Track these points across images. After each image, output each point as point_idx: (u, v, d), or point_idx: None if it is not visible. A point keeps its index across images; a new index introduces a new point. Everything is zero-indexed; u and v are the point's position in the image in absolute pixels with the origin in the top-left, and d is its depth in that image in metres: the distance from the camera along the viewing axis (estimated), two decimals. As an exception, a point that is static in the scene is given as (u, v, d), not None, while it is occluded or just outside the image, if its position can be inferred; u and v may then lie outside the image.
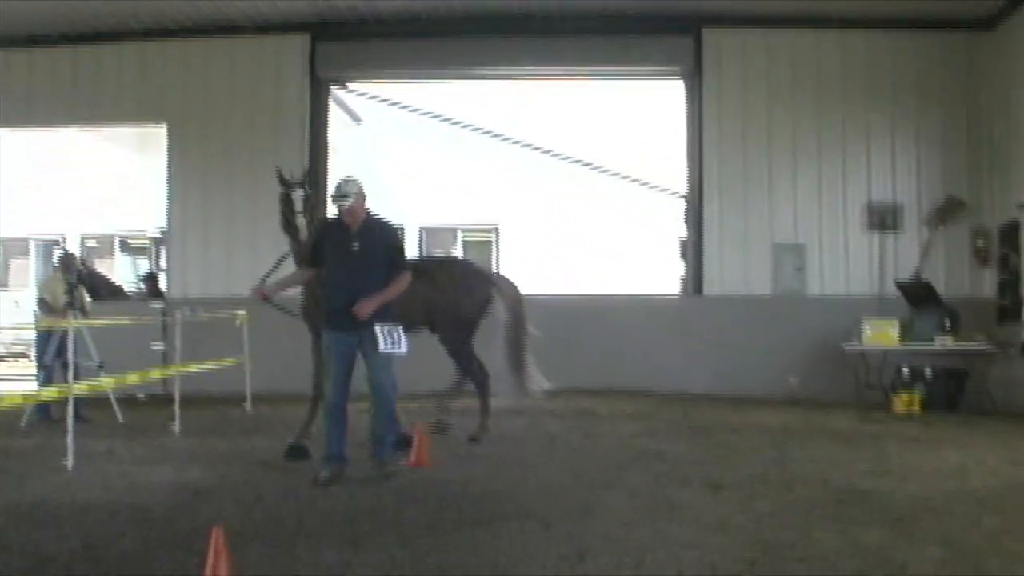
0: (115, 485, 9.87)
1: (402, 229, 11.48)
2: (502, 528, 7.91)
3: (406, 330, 11.77)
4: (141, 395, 17.43)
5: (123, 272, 28.21)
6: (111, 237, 30.03)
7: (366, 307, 10.03)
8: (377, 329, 10.10)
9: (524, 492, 9.43)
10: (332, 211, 10.84)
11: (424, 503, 8.86)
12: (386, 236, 10.51)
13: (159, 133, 20.97)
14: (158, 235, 26.72)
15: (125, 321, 14.86)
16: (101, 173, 28.88)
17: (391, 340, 10.15)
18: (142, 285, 22.67)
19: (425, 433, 11.33)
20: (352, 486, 9.70)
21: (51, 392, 11.30)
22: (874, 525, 8.00)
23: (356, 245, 10.26)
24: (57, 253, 17.42)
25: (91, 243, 29.72)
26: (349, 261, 10.27)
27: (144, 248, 29.60)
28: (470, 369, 13.03)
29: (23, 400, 11.63)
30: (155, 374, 13.63)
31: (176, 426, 13.56)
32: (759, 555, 7.01)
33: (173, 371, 13.77)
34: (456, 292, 12.98)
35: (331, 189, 10.71)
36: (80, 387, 11.59)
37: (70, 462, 10.72)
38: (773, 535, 7.67)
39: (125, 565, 6.84)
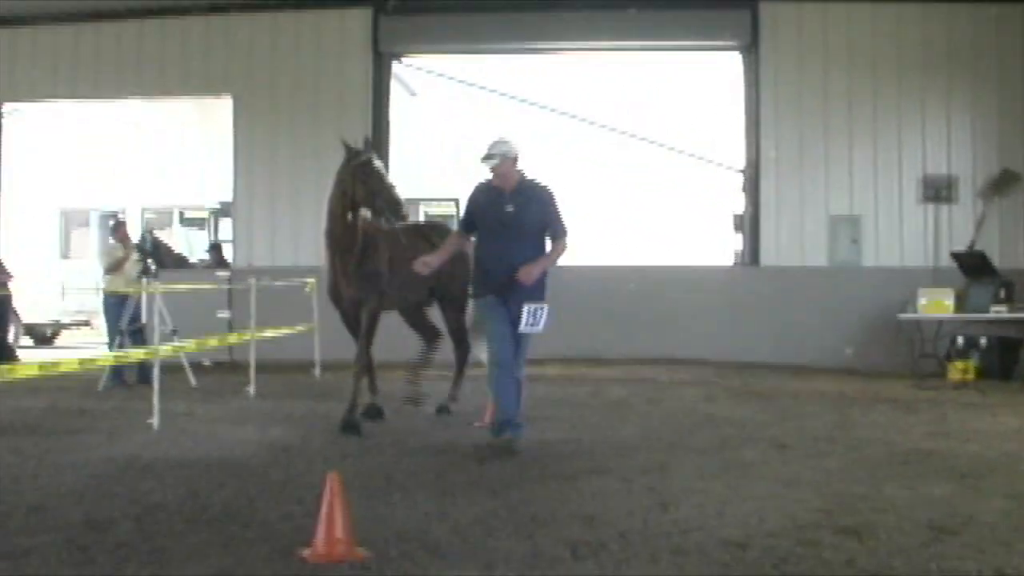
0: (202, 442, 10.30)
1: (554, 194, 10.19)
2: (584, 483, 8.26)
3: (415, 302, 12.59)
4: (207, 362, 17.93)
5: (181, 243, 28.66)
6: (170, 209, 30.47)
7: (531, 272, 9.60)
8: (525, 308, 9.55)
9: (600, 451, 9.78)
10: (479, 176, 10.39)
11: (506, 462, 9.19)
12: (542, 199, 9.93)
13: (217, 106, 21.43)
14: (217, 207, 27.21)
15: (203, 286, 15.36)
16: (161, 146, 29.35)
17: (533, 319, 9.61)
18: (208, 255, 23.11)
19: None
20: (431, 446, 10.08)
21: (139, 354, 11.70)
22: (940, 481, 8.31)
23: (510, 208, 9.78)
24: (110, 223, 17.85)
25: (150, 215, 30.19)
26: (503, 225, 9.79)
27: (202, 220, 30.03)
28: (464, 339, 12.70)
29: (114, 361, 12.11)
30: (232, 339, 14.07)
31: (251, 389, 14.00)
32: (833, 507, 7.33)
33: (249, 336, 14.16)
34: (463, 259, 11.96)
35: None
36: (166, 350, 11.99)
37: (155, 421, 11.18)
38: (845, 489, 7.99)
39: (231, 512, 7.21)
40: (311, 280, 16.24)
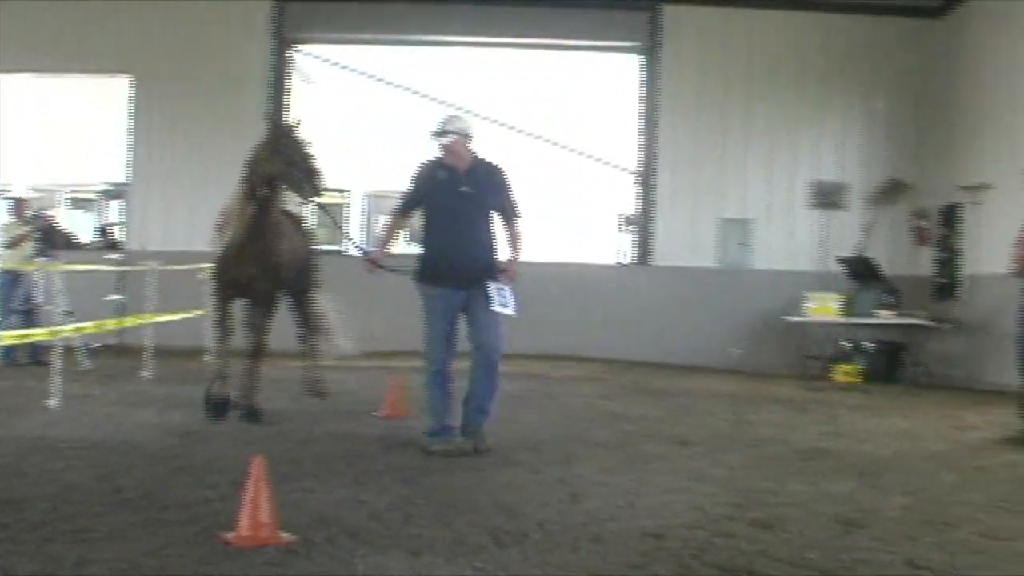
0: (104, 424, 10.21)
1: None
2: (494, 473, 8.38)
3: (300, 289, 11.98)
4: (95, 344, 17.63)
5: (67, 223, 28.05)
6: (56, 189, 29.81)
7: (515, 271, 9.37)
8: (490, 286, 9.16)
9: (504, 443, 9.82)
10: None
11: (412, 451, 9.25)
12: (497, 180, 9.46)
13: (109, 86, 21.06)
14: (108, 188, 26.69)
15: (102, 268, 15.19)
16: (48, 124, 28.69)
17: (503, 299, 9.21)
18: (98, 237, 22.70)
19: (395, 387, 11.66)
20: (334, 433, 10.07)
21: (42, 333, 11.51)
22: (841, 478, 8.57)
23: (465, 189, 9.27)
24: (6, 200, 17.53)
25: (35, 194, 29.50)
26: (457, 206, 9.30)
27: (90, 201, 29.43)
28: (320, 326, 12.62)
29: (20, 340, 11.92)
30: (131, 322, 13.90)
31: (147, 373, 13.85)
32: (742, 501, 7.52)
33: (147, 320, 14.00)
34: (312, 244, 12.36)
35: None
36: (67, 331, 11.81)
37: (55, 402, 11.03)
38: (750, 484, 8.19)
39: (147, 494, 7.15)
40: (206, 265, 16.03)
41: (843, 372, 17.26)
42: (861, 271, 18.08)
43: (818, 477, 8.60)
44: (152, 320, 14.15)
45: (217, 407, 10.77)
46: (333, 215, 11.80)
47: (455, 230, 9.32)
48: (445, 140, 9.32)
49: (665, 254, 19.61)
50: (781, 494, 7.84)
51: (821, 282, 18.55)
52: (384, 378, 13.46)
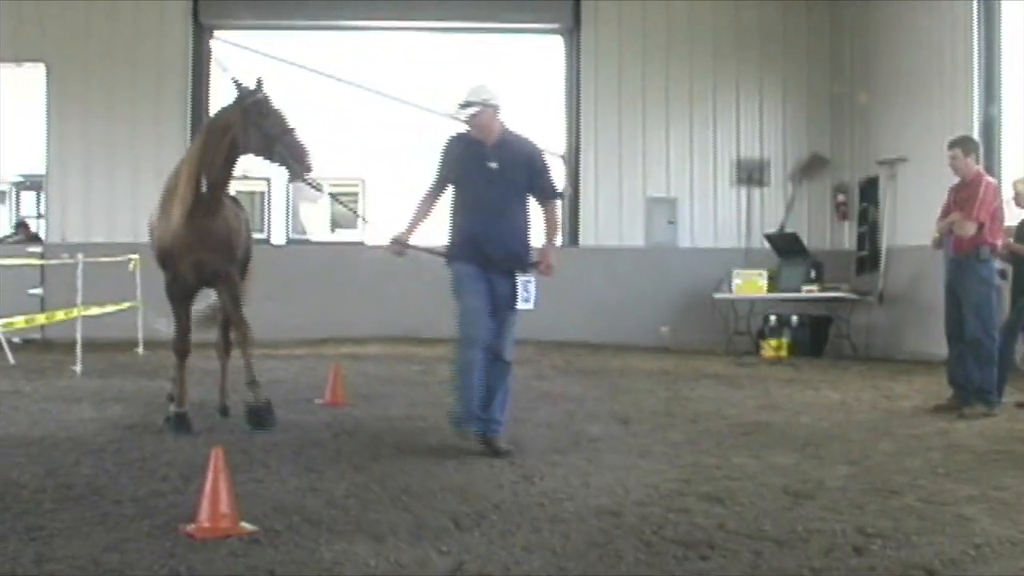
0: (42, 420, 10.06)
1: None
2: (443, 458, 8.39)
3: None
4: (17, 339, 17.39)
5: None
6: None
7: (551, 262, 8.67)
8: (520, 280, 8.63)
9: (447, 427, 9.81)
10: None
11: (359, 438, 9.26)
12: (529, 154, 8.79)
13: (17, 75, 20.65)
14: (19, 180, 26.25)
15: (29, 262, 15.07)
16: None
17: (526, 292, 8.72)
18: (14, 231, 22.33)
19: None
20: (280, 423, 9.99)
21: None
22: (783, 451, 8.74)
23: (494, 164, 8.57)
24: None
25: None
26: (486, 184, 8.59)
27: (2, 193, 28.96)
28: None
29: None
30: (60, 316, 13.74)
31: (78, 368, 13.70)
32: (690, 476, 7.65)
33: (76, 313, 13.85)
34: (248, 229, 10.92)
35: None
36: (-3, 327, 11.67)
37: (-18, 400, 10.91)
38: (695, 460, 8.33)
39: (97, 489, 7.09)
40: (135, 257, 15.92)
41: (771, 347, 17.53)
42: (786, 247, 18.35)
43: (761, 450, 8.77)
44: (83, 313, 13.98)
45: (182, 423, 9.49)
46: (346, 202, 10.96)
47: (484, 211, 8.60)
48: (469, 112, 8.52)
49: (592, 234, 19.74)
50: (726, 468, 7.98)
51: (747, 259, 18.79)
52: (317, 366, 13.50)
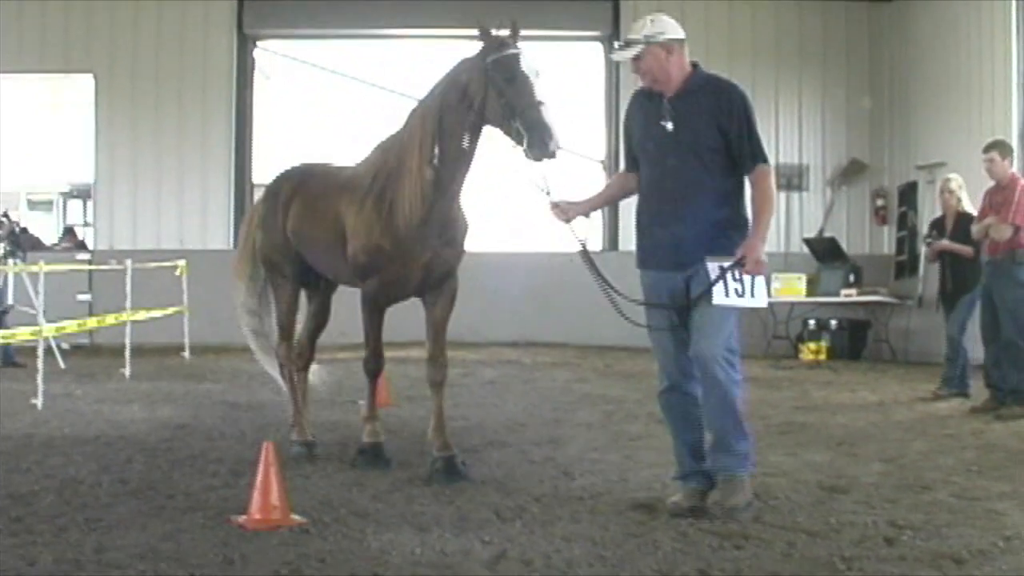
0: (95, 421, 10.34)
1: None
2: (484, 455, 8.61)
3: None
4: (66, 345, 17.71)
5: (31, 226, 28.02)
6: (15, 192, 29.72)
7: (755, 250, 6.32)
8: (710, 266, 6.33)
9: (489, 426, 10.11)
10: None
11: (402, 436, 9.44)
12: (722, 105, 6.46)
13: (67, 87, 21.04)
14: (67, 189, 26.67)
15: (77, 268, 15.40)
16: (8, 125, 28.57)
17: (735, 286, 6.33)
18: (62, 238, 22.71)
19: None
20: (323, 423, 10.18)
21: (24, 334, 11.63)
22: (819, 449, 8.90)
23: (668, 124, 6.47)
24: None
25: (-1, 198, 29.41)
26: (658, 152, 6.55)
27: (49, 202, 29.38)
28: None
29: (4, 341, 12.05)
30: (111, 320, 14.03)
31: (127, 371, 13.99)
32: (727, 473, 7.80)
33: (125, 318, 14.14)
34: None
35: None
36: (49, 330, 11.95)
37: (39, 402, 11.14)
38: (732, 457, 8.48)
39: (151, 484, 7.35)
40: (181, 263, 16.24)
41: (809, 350, 17.63)
42: (825, 251, 18.43)
43: (797, 448, 8.93)
44: (132, 318, 14.28)
45: (379, 455, 8.13)
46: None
47: (656, 190, 6.59)
48: (628, 55, 6.57)
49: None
50: (763, 465, 8.08)
51: (786, 263, 18.87)
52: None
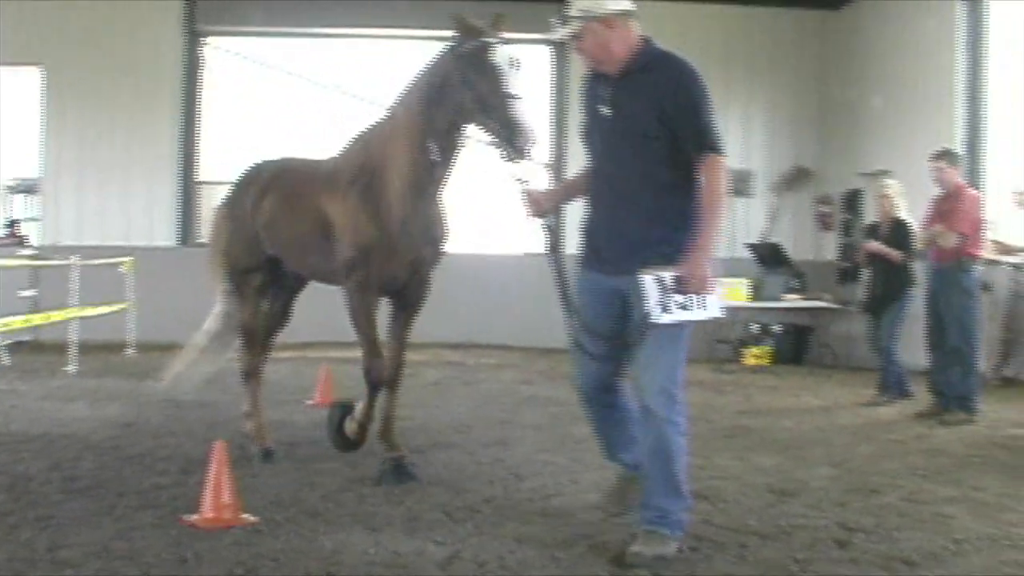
0: (41, 418, 10.19)
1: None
2: (432, 456, 8.61)
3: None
4: (7, 341, 17.53)
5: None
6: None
7: (695, 270, 5.44)
8: (647, 280, 5.53)
9: (435, 427, 10.09)
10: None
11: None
12: (661, 85, 5.63)
13: (14, 79, 20.72)
14: (15, 183, 26.34)
15: (28, 263, 15.25)
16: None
17: (678, 299, 5.50)
18: (5, 234, 22.43)
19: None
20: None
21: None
22: (766, 453, 8.99)
23: (607, 110, 5.76)
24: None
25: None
26: (600, 140, 5.88)
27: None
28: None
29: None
30: (57, 316, 13.90)
31: (72, 368, 13.86)
32: (676, 475, 7.86)
33: (72, 314, 14.02)
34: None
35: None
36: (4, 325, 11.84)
37: (-20, 398, 11.07)
38: (680, 461, 8.54)
39: (101, 483, 7.31)
40: (127, 259, 16.13)
41: (752, 355, 17.78)
42: (768, 256, 18.59)
43: (744, 452, 9.00)
44: (78, 315, 14.16)
45: (402, 470, 7.61)
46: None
47: (599, 181, 5.92)
48: (567, 32, 5.87)
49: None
50: (711, 468, 8.19)
51: (729, 268, 18.98)
52: (305, 368, 13.69)
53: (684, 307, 5.50)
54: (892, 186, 12.79)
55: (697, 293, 5.48)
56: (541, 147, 6.67)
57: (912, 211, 12.31)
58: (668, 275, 5.46)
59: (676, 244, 5.52)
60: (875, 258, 12.57)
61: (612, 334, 5.82)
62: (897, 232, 12.34)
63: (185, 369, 9.05)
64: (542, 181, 5.55)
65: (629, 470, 6.28)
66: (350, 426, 7.99)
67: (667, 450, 5.73)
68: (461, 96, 6.74)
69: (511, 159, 6.39)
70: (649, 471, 5.78)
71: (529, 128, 6.40)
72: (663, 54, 5.79)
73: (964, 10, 15.98)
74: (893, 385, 12.43)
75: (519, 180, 6.23)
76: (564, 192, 6.62)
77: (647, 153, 5.62)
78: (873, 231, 12.89)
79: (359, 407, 7.93)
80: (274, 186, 8.25)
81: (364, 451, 8.54)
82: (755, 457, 8.75)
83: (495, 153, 6.53)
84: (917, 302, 12.03)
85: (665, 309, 5.48)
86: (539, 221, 6.21)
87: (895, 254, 12.22)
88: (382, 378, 7.59)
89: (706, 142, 5.57)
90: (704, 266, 5.44)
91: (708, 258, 5.47)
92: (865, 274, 13.28)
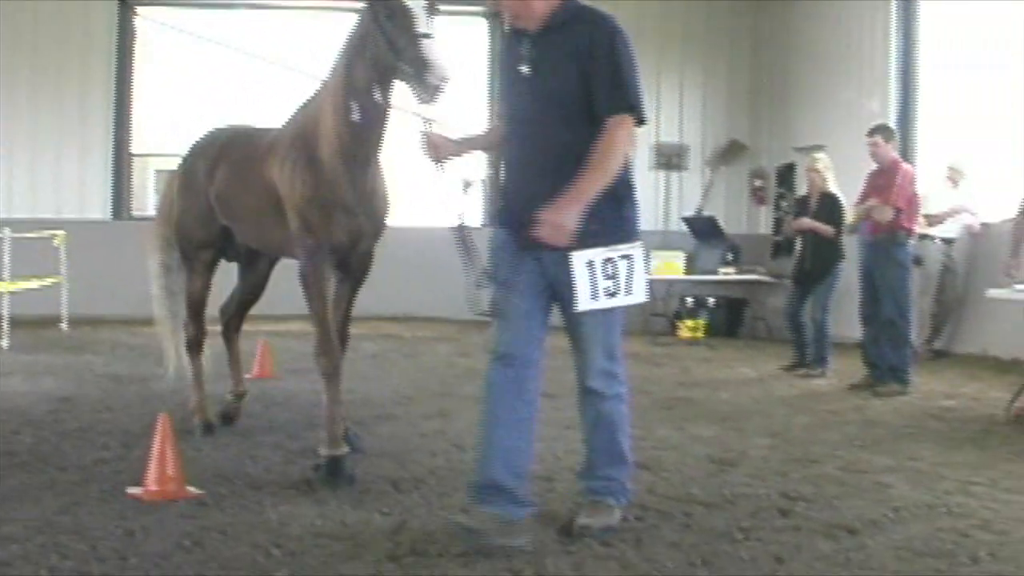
0: (-27, 393, 10.14)
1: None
2: (375, 428, 8.62)
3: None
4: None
5: None
6: None
7: (557, 216, 5.01)
8: (575, 259, 5.21)
9: (376, 400, 10.09)
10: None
11: (291, 409, 9.44)
12: (581, 42, 5.28)
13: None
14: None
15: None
16: None
17: (605, 283, 5.26)
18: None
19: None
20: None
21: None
22: (706, 424, 9.09)
23: (525, 68, 5.36)
24: None
25: None
26: (517, 101, 5.50)
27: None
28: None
29: None
30: (-12, 289, 13.74)
31: (4, 343, 13.70)
32: (618, 446, 7.93)
33: (3, 288, 13.84)
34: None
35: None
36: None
37: (-90, 373, 10.92)
38: (621, 432, 8.62)
39: (42, 457, 7.23)
40: (60, 233, 15.94)
41: (687, 327, 17.90)
42: (704, 230, 18.74)
43: (684, 423, 9.10)
44: (9, 288, 13.98)
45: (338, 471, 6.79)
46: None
47: (516, 146, 5.55)
48: None
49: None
50: (652, 439, 8.26)
51: (665, 241, 19.14)
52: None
53: (610, 292, 5.27)
54: (821, 159, 12.95)
55: (549, 241, 5.03)
56: (454, 89, 6.17)
57: (848, 186, 12.44)
58: (598, 257, 5.23)
59: (603, 220, 5.18)
60: (806, 232, 12.71)
61: (532, 292, 5.44)
62: (827, 206, 12.51)
63: (175, 353, 8.77)
64: (450, 129, 5.18)
65: (507, 510, 5.35)
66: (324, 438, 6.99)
67: (610, 421, 5.76)
68: (376, 46, 6.37)
69: (423, 99, 6.09)
70: (592, 442, 5.77)
71: (440, 65, 6.03)
72: (585, 9, 5.42)
73: (899, -15, 16.17)
74: (825, 357, 12.60)
75: (424, 121, 5.90)
76: (469, 143, 6.10)
77: (569, 116, 5.26)
78: (803, 205, 13.04)
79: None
80: (226, 155, 8.03)
81: (305, 423, 8.58)
82: (694, 428, 8.85)
83: (412, 98, 6.20)
84: (851, 276, 12.18)
85: (593, 295, 5.27)
86: (437, 166, 5.85)
87: (828, 229, 12.38)
88: (331, 369, 7.07)
89: (622, 102, 5.24)
90: (565, 215, 4.99)
91: (573, 211, 5.01)
92: (796, 247, 13.39)
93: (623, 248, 5.29)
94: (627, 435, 5.87)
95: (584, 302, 5.27)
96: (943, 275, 13.98)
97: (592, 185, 5.09)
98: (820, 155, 13.25)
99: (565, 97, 5.26)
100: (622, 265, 5.27)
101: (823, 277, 12.52)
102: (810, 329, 12.75)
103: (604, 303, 5.30)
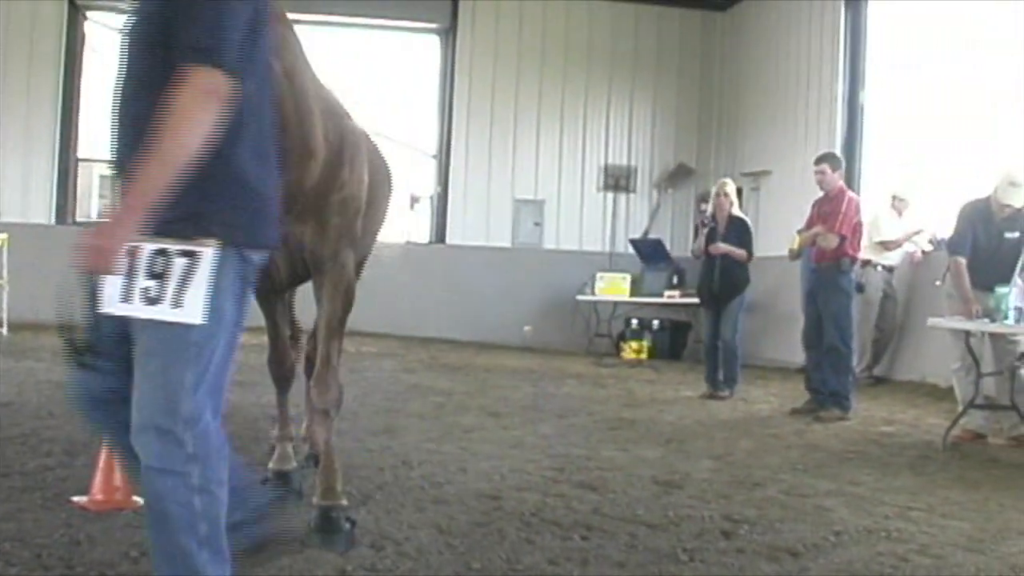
0: (-90, 398, 10.01)
1: None
2: (321, 441, 8.60)
3: None
4: None
5: None
6: None
7: (100, 239, 3.48)
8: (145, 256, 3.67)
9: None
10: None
11: (236, 421, 9.28)
12: None
13: None
14: None
15: None
16: None
17: (148, 283, 3.63)
18: None
19: None
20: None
21: None
22: (650, 445, 9.17)
23: (129, 15, 3.87)
24: None
25: None
26: (119, 61, 3.85)
27: None
28: None
29: None
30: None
31: (-59, 347, 13.58)
32: (563, 466, 7.98)
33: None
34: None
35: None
36: None
37: None
38: (566, 451, 8.67)
39: (-19, 461, 7.19)
40: (2, 235, 15.79)
41: (631, 349, 18.04)
42: (650, 253, 18.86)
43: (629, 444, 9.17)
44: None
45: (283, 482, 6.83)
46: None
47: (115, 113, 3.85)
48: None
49: (459, 233, 19.98)
50: (597, 459, 8.33)
51: (611, 262, 19.27)
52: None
53: (151, 297, 3.62)
54: (731, 184, 13.24)
55: (93, 271, 3.60)
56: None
57: (794, 213, 12.61)
58: (148, 246, 3.61)
59: (182, 208, 3.57)
60: (716, 256, 12.84)
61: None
62: (737, 229, 12.73)
63: None
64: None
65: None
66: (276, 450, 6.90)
67: (164, 513, 3.65)
68: None
69: None
70: (152, 540, 3.81)
71: None
72: None
73: (847, 16, 16.36)
74: (735, 378, 12.78)
75: None
76: None
77: (160, 74, 3.57)
78: (712, 230, 13.13)
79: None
80: None
81: (251, 437, 8.55)
82: (638, 449, 8.92)
83: None
84: (794, 301, 12.33)
85: (125, 296, 3.63)
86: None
87: (741, 253, 12.63)
88: (280, 378, 7.01)
89: (197, 44, 3.54)
90: (115, 237, 3.51)
91: (126, 229, 3.52)
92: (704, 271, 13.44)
93: (189, 244, 3.64)
94: (206, 536, 3.69)
95: (111, 302, 3.70)
96: (883, 303, 14.15)
97: (152, 184, 3.48)
98: (728, 179, 13.62)
99: (155, 49, 3.66)
100: (178, 264, 3.62)
101: (731, 299, 12.70)
102: (721, 351, 12.86)
103: (139, 310, 3.64)
